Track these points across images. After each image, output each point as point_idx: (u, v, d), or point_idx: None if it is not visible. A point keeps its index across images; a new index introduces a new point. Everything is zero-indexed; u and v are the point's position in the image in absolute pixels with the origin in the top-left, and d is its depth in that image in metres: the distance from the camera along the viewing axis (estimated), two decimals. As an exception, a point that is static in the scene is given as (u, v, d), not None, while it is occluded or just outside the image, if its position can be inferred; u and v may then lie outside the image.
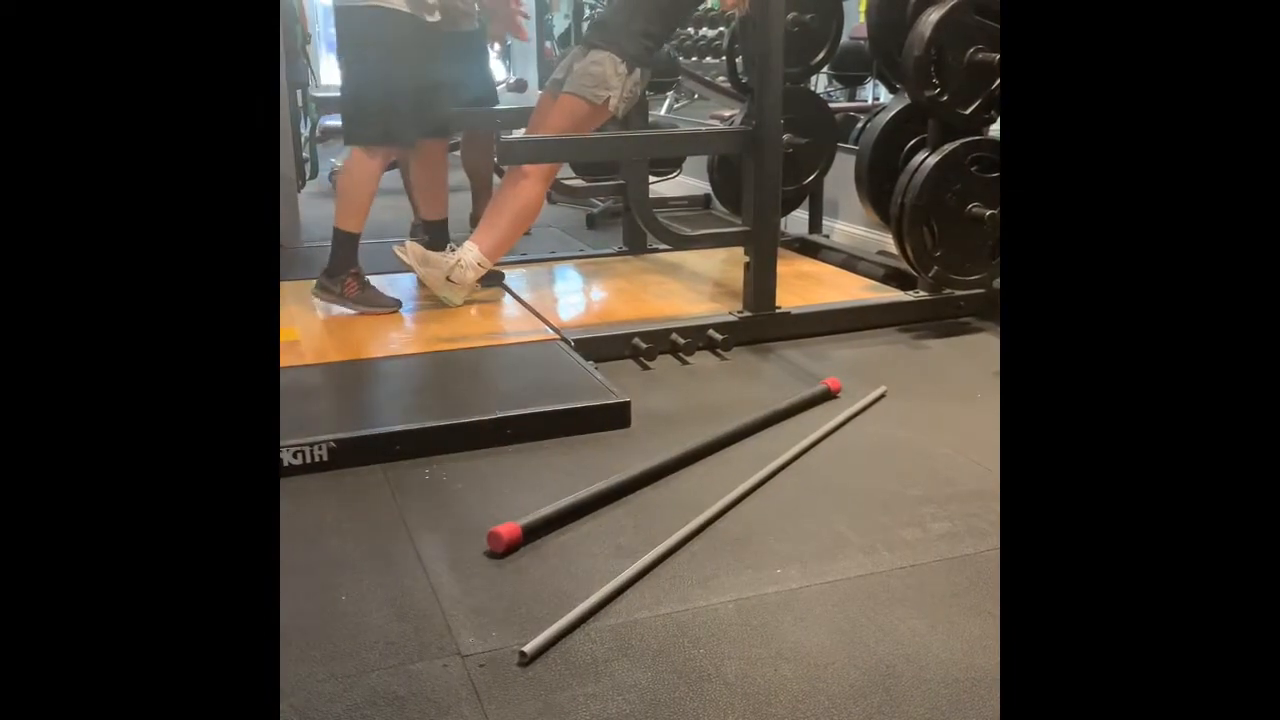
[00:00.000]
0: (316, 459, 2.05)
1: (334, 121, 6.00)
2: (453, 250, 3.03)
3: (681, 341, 2.76)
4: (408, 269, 3.02)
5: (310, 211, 4.43)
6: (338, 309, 2.99)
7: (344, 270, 2.98)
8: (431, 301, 3.10)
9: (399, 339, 2.77)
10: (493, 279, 3.13)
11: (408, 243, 3.03)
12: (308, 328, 2.87)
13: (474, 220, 4.24)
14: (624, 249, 3.82)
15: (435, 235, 3.25)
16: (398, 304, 3.03)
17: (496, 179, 4.55)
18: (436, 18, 2.94)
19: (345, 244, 2.97)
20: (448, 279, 2.97)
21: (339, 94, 3.06)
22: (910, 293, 3.15)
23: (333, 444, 2.06)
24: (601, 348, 2.71)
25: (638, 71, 2.99)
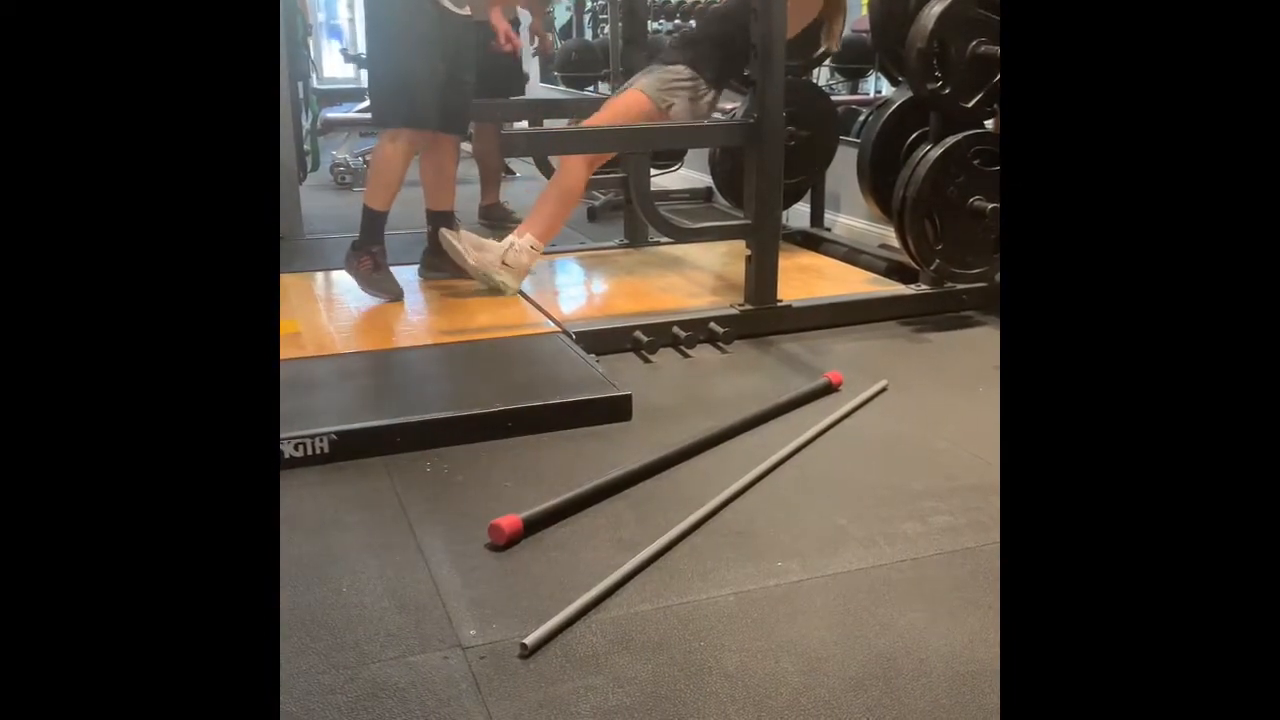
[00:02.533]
0: (317, 451, 2.05)
1: (336, 114, 6.00)
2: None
3: (683, 335, 2.76)
4: (457, 258, 3.02)
5: (311, 204, 4.43)
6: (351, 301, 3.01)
7: (366, 246, 3.02)
8: (433, 293, 3.11)
9: (400, 331, 2.77)
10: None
11: (462, 230, 3.05)
12: (309, 320, 2.87)
13: (482, 211, 4.26)
14: (625, 242, 3.82)
15: (440, 226, 3.26)
16: (400, 295, 3.04)
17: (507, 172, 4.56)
18: (466, 11, 2.95)
19: (370, 220, 3.02)
20: (503, 263, 2.99)
21: (366, 76, 3.14)
22: (912, 286, 3.15)
23: (334, 436, 2.06)
24: (603, 341, 2.71)
25: (711, 94, 3.09)
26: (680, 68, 3.05)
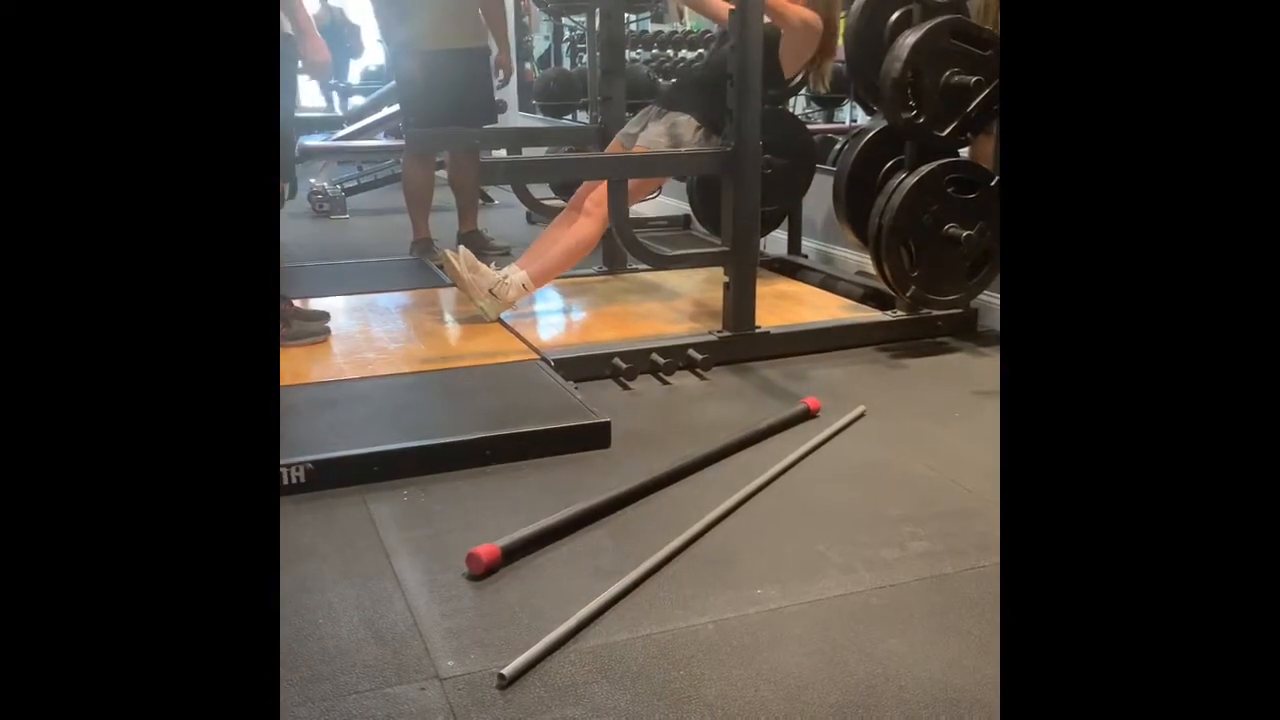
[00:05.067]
0: (294, 480, 2.03)
1: (314, 141, 6.01)
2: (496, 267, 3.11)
3: (661, 361, 2.76)
4: (452, 279, 3.04)
5: (289, 232, 4.43)
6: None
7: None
8: (411, 321, 3.10)
9: (378, 359, 2.76)
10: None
11: (461, 249, 3.05)
12: (285, 348, 2.85)
13: (461, 238, 4.27)
14: (604, 269, 3.83)
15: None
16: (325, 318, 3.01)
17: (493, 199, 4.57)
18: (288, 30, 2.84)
19: None
20: (490, 291, 3.01)
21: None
22: (888, 312, 3.17)
23: (310, 465, 2.05)
24: (582, 368, 2.71)
25: (714, 139, 3.10)
26: (679, 115, 3.09)
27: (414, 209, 4.24)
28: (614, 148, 3.34)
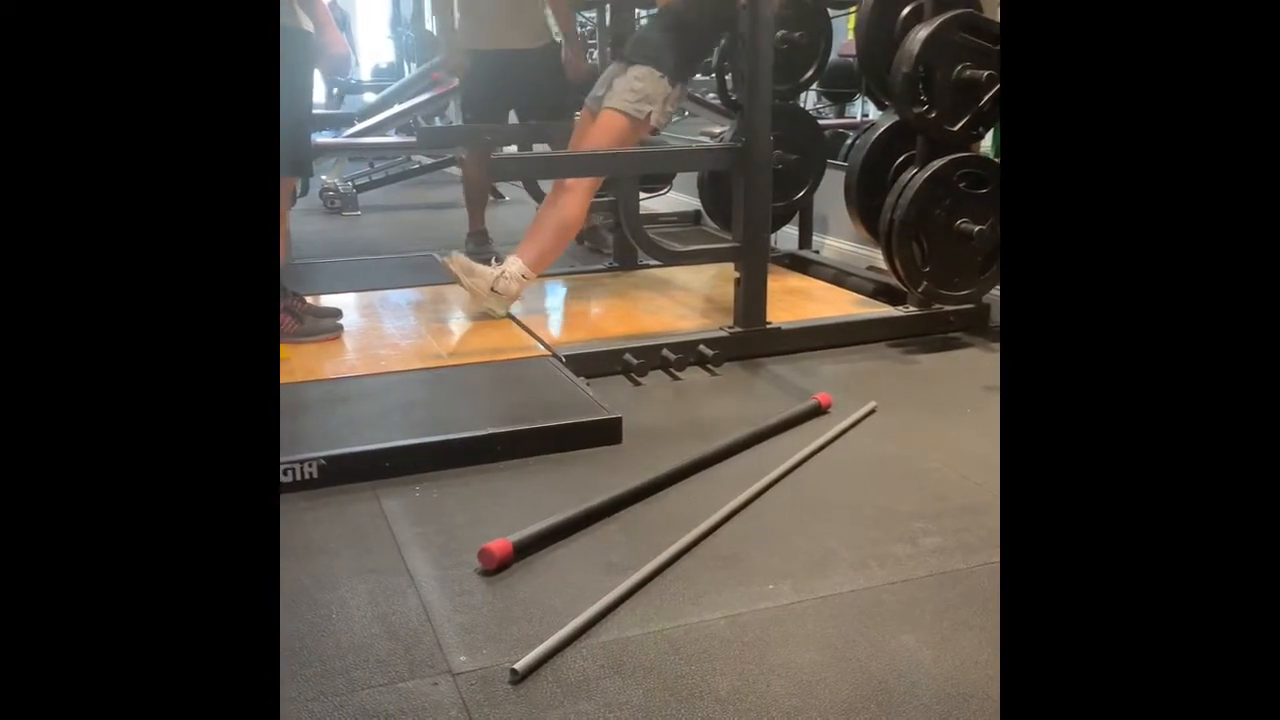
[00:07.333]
0: (306, 477, 2.04)
1: (323, 138, 6.02)
2: (498, 261, 3.10)
3: (672, 357, 2.76)
4: (454, 279, 3.07)
5: (300, 228, 4.44)
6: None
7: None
8: (422, 317, 3.11)
9: (389, 355, 2.77)
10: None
11: (453, 254, 3.06)
12: (297, 344, 2.86)
13: (469, 236, 4.28)
14: (615, 265, 3.83)
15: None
16: (338, 324, 2.97)
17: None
18: (309, 26, 2.79)
19: None
20: (492, 289, 3.02)
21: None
22: (900, 308, 3.17)
23: (322, 462, 2.06)
24: (592, 364, 2.72)
25: (678, 86, 3.05)
26: (641, 69, 3.00)
27: (471, 204, 4.30)
28: (583, 117, 3.26)
